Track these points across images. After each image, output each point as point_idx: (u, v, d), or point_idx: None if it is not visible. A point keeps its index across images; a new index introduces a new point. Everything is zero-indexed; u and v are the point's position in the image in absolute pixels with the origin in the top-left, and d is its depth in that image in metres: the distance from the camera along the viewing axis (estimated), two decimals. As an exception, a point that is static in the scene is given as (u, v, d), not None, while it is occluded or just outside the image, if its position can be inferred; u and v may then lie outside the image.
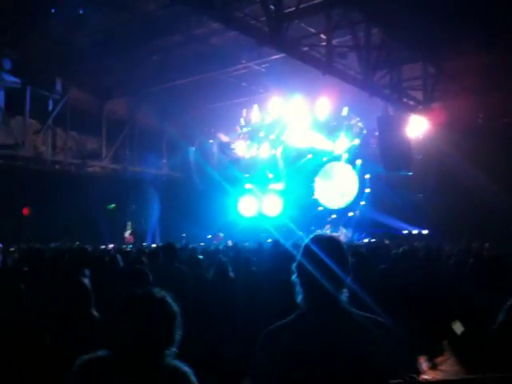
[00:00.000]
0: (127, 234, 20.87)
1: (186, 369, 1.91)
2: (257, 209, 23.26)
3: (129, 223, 21.22)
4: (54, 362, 2.84)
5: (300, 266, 2.02)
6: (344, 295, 1.96)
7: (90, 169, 22.61)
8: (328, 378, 1.80)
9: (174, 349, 1.92)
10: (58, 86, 19.99)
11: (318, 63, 12.78)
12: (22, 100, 19.14)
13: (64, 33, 16.47)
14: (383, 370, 1.80)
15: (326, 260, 1.95)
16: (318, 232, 2.14)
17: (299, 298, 1.99)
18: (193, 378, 1.90)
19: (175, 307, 1.98)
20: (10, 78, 19.03)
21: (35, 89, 19.36)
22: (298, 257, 2.04)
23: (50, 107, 20.38)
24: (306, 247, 2.04)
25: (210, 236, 21.70)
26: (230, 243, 15.50)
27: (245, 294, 5.73)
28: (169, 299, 1.99)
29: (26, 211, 20.45)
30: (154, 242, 18.85)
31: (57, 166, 21.81)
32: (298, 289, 2.00)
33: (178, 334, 1.94)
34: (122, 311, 1.95)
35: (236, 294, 5.67)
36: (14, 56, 18.82)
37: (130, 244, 19.20)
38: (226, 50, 17.25)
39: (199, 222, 21.09)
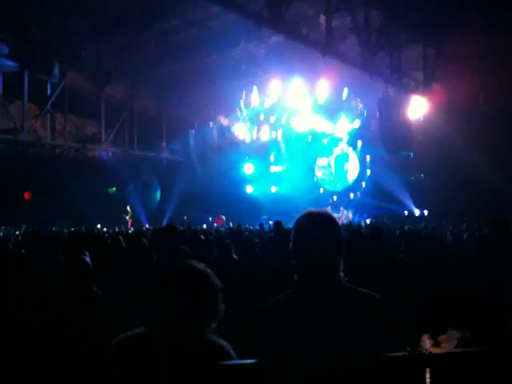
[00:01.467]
0: (127, 217, 20.92)
1: (225, 343, 1.85)
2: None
3: (128, 207, 21.25)
4: (57, 342, 2.86)
5: (294, 240, 2.01)
6: (339, 269, 1.96)
7: (89, 153, 22.59)
8: (317, 349, 1.82)
9: (214, 324, 1.85)
10: (56, 70, 19.83)
11: (318, 45, 12.69)
12: (20, 84, 19.01)
13: (61, 17, 16.35)
14: (374, 344, 1.78)
15: (318, 234, 1.94)
16: (311, 209, 2.12)
17: (296, 272, 2.00)
18: (232, 352, 1.83)
19: (217, 280, 1.90)
20: (8, 63, 18.89)
21: (33, 73, 19.22)
22: (292, 232, 2.04)
23: (49, 91, 20.27)
24: (298, 222, 2.04)
25: (210, 218, 21.74)
26: (230, 225, 15.56)
27: (246, 274, 5.77)
28: (210, 272, 1.90)
29: (27, 195, 20.50)
30: (154, 225, 18.89)
31: (57, 151, 21.80)
32: (294, 263, 2.00)
33: (221, 308, 1.88)
34: (164, 286, 1.86)
35: (237, 275, 5.71)
36: (12, 40, 18.66)
37: (131, 227, 19.26)
38: (225, 33, 17.10)
39: (200, 204, 21.14)
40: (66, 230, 13.10)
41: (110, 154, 23.28)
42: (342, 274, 1.96)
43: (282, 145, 23.51)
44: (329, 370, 1.74)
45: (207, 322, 1.83)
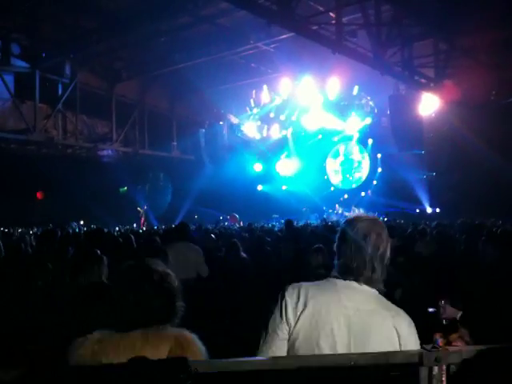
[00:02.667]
0: (141, 216, 21.02)
1: (190, 334, 1.93)
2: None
3: (141, 207, 21.35)
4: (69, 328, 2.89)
5: (338, 241, 2.03)
6: (378, 278, 1.94)
7: (100, 152, 22.71)
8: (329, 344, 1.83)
9: (176, 319, 1.94)
10: (67, 70, 19.97)
11: (328, 42, 12.59)
12: (31, 85, 19.17)
13: (72, 16, 16.41)
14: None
15: (362, 240, 1.94)
16: (361, 213, 2.13)
17: (335, 266, 2.01)
18: (197, 342, 1.91)
19: (174, 278, 1.99)
20: (19, 63, 19.06)
21: (44, 73, 19.37)
22: (339, 233, 2.05)
23: (60, 91, 20.41)
24: (346, 225, 2.04)
25: (221, 217, 21.77)
26: (241, 224, 15.56)
27: (255, 272, 5.81)
28: (167, 271, 1.99)
29: (39, 195, 20.67)
30: (165, 224, 18.95)
31: (68, 150, 21.94)
32: (335, 262, 2.01)
33: (180, 305, 1.96)
34: (121, 284, 1.97)
35: (246, 272, 5.75)
36: (23, 41, 18.81)
37: (143, 226, 19.35)
38: (235, 31, 17.09)
39: (211, 203, 21.17)
40: (78, 230, 13.19)
41: (121, 153, 23.39)
42: (379, 284, 1.95)
43: (293, 143, 23.46)
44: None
45: (169, 318, 1.92)
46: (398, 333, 1.85)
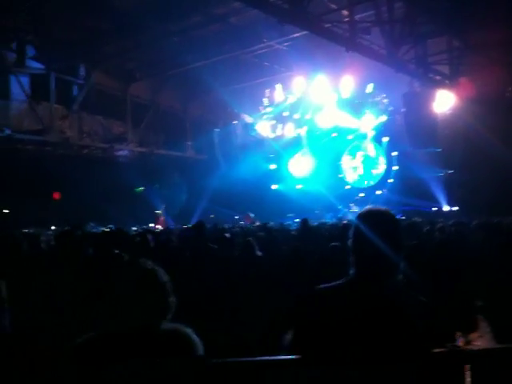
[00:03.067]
0: (159, 216, 21.15)
1: (185, 329, 1.97)
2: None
3: (157, 207, 21.49)
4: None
5: (353, 237, 2.01)
6: (397, 269, 1.93)
7: (116, 152, 22.87)
8: (367, 346, 1.79)
9: (169, 316, 1.98)
10: (82, 71, 20.19)
11: (342, 39, 12.56)
12: (47, 86, 19.39)
13: (85, 17, 16.55)
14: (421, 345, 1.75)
15: (378, 233, 1.92)
16: (371, 206, 2.12)
17: (352, 267, 1.99)
18: (193, 337, 1.95)
19: (163, 276, 2.03)
20: (34, 65, 19.29)
21: (59, 74, 19.58)
22: (352, 229, 2.04)
23: (75, 92, 20.61)
24: (359, 219, 2.02)
25: (237, 217, 21.78)
26: (257, 223, 15.56)
27: (270, 271, 5.84)
28: (157, 268, 2.04)
29: (56, 196, 20.87)
30: (181, 224, 19.03)
31: (84, 151, 22.13)
32: (352, 259, 2.00)
33: (172, 300, 2.00)
34: (118, 284, 2.02)
35: (260, 271, 5.78)
36: (37, 42, 19.02)
37: (161, 227, 19.44)
38: (247, 30, 17.10)
39: (226, 203, 21.19)
40: (95, 230, 13.28)
41: (136, 153, 23.54)
42: (399, 276, 1.94)
43: (307, 141, 23.39)
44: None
45: (161, 315, 1.97)
46: (417, 329, 1.83)
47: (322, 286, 1.99)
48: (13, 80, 18.53)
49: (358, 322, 1.83)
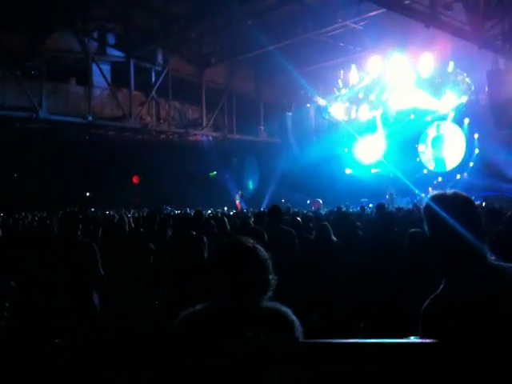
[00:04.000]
0: (237, 200, 21.51)
1: (284, 308, 1.95)
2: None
3: (232, 191, 21.84)
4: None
5: (432, 231, 1.88)
6: (486, 251, 1.79)
7: (192, 137, 23.38)
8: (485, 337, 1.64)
9: (269, 293, 1.96)
10: (159, 58, 20.70)
11: (421, 16, 12.05)
12: (126, 73, 20.08)
13: (162, 2, 16.90)
14: None
15: (457, 220, 1.78)
16: (439, 192, 1.98)
17: (441, 264, 1.86)
18: (291, 316, 1.93)
19: (264, 253, 2.01)
20: (115, 53, 20.02)
21: (138, 61, 20.20)
22: (426, 220, 1.91)
23: (153, 78, 21.20)
24: (432, 209, 1.89)
25: (309, 201, 21.69)
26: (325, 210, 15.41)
27: (347, 255, 5.78)
28: (257, 246, 2.01)
29: (135, 179, 21.75)
30: (254, 208, 19.23)
31: (161, 136, 22.82)
32: (437, 254, 1.88)
33: (272, 279, 1.97)
34: (214, 261, 2.02)
35: (336, 256, 5.73)
36: (118, 30, 19.69)
37: (237, 210, 19.76)
38: (322, 10, 16.81)
39: (299, 187, 21.14)
40: (172, 213, 13.70)
41: (210, 138, 23.95)
42: (489, 256, 1.80)
43: (382, 124, 22.77)
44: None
45: (262, 292, 1.94)
46: None
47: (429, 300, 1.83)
48: (94, 68, 19.31)
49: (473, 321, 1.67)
